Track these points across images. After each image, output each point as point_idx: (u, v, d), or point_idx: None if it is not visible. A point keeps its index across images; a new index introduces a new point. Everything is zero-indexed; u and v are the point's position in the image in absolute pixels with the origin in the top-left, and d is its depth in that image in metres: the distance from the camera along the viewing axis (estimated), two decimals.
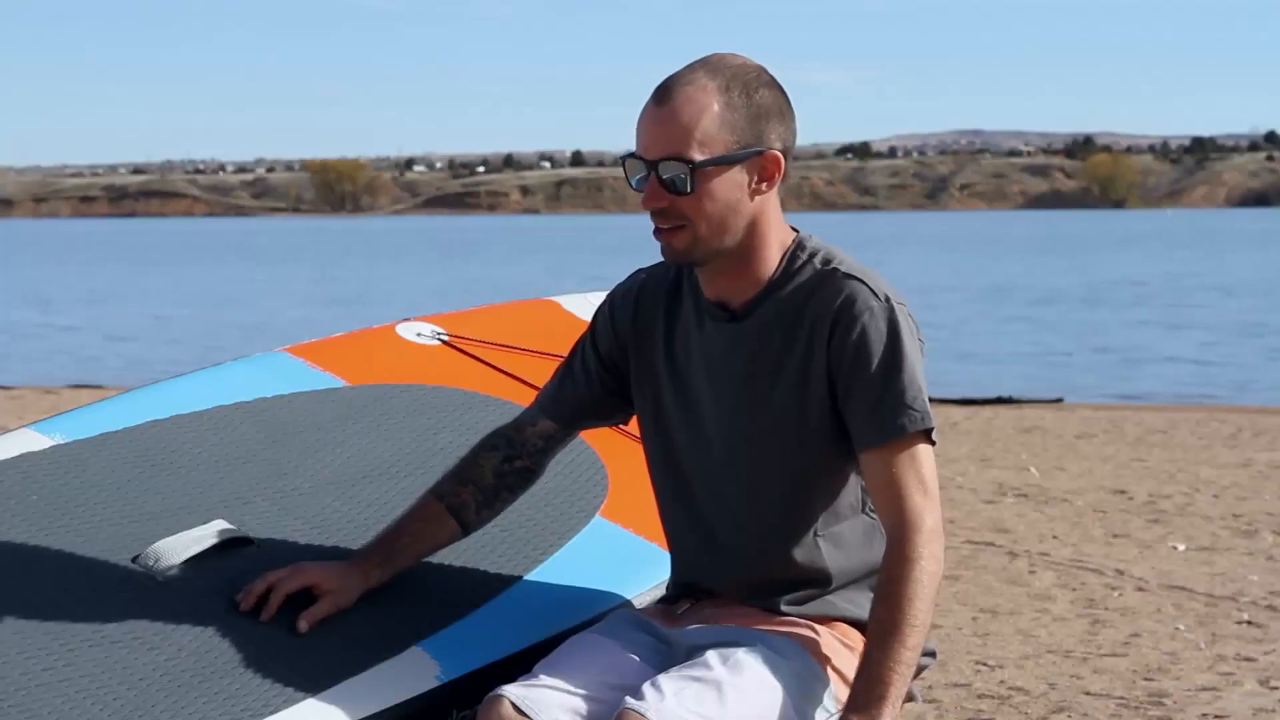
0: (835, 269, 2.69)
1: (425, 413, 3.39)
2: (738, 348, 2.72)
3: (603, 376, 2.88)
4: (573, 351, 2.94)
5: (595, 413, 2.91)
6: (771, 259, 2.71)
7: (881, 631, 2.56)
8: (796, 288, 2.69)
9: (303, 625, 2.72)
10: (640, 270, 2.89)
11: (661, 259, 2.87)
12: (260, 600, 2.75)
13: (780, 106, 2.67)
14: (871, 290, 2.66)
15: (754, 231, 2.68)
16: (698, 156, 2.61)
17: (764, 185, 2.66)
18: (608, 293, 2.93)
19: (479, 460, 2.90)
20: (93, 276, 46.51)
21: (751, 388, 2.71)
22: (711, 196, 2.63)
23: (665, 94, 2.64)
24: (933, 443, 2.65)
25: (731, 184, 2.64)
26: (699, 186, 2.61)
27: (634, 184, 2.67)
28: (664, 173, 2.62)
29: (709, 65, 2.65)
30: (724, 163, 2.62)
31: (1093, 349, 21.08)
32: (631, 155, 2.67)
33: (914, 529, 2.59)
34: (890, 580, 2.59)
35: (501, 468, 2.89)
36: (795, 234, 2.74)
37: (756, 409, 2.70)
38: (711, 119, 2.61)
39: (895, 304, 2.67)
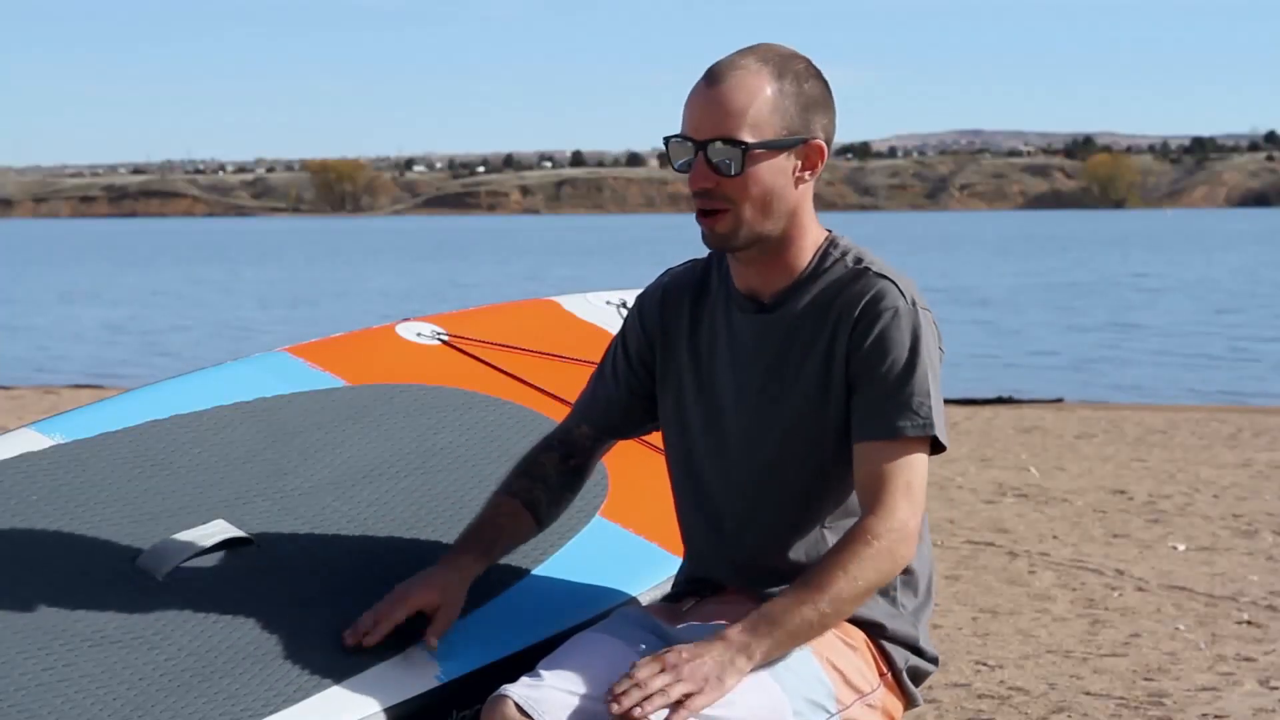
0: (867, 267, 2.70)
1: (425, 413, 3.39)
2: (765, 339, 2.73)
3: (630, 379, 2.88)
4: (603, 358, 2.95)
5: (627, 417, 2.91)
6: (805, 253, 2.72)
7: (802, 583, 2.54)
8: (827, 284, 2.70)
9: (432, 642, 2.70)
10: (667, 270, 2.92)
11: (680, 261, 2.89)
12: (364, 633, 2.69)
13: (826, 98, 2.68)
14: (900, 291, 2.67)
15: (794, 222, 2.69)
16: (749, 139, 2.61)
17: (807, 174, 2.68)
18: (636, 295, 2.94)
19: (541, 460, 2.91)
20: (73, 276, 46.45)
21: (775, 378, 2.71)
22: (758, 180, 2.63)
23: (717, 76, 2.64)
24: (940, 449, 2.64)
25: (777, 170, 2.64)
26: (747, 169, 2.62)
27: (678, 165, 2.67)
28: (713, 154, 2.62)
29: (759, 52, 2.66)
30: (773, 147, 2.63)
31: (1038, 351, 21.02)
32: (677, 136, 2.66)
33: (884, 521, 2.57)
34: (837, 548, 2.58)
35: (561, 466, 2.91)
36: (828, 233, 2.76)
37: (779, 400, 2.71)
38: (764, 103, 2.62)
39: (921, 309, 2.67)
